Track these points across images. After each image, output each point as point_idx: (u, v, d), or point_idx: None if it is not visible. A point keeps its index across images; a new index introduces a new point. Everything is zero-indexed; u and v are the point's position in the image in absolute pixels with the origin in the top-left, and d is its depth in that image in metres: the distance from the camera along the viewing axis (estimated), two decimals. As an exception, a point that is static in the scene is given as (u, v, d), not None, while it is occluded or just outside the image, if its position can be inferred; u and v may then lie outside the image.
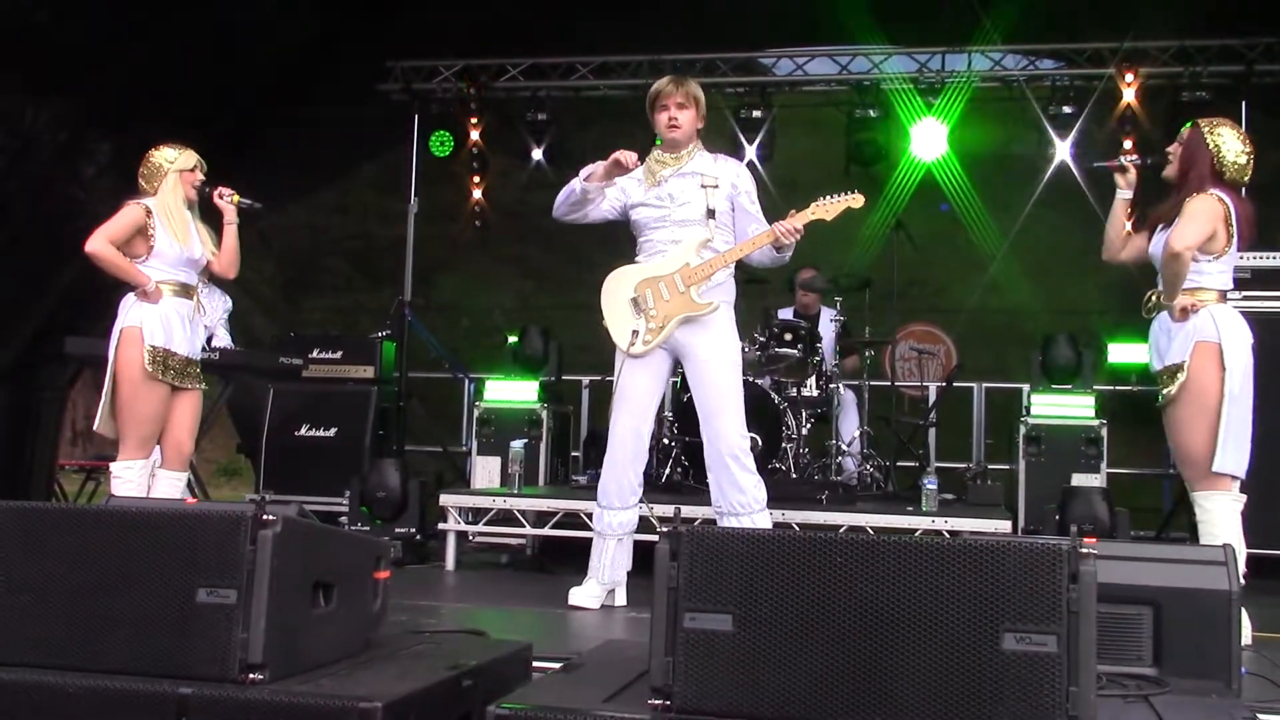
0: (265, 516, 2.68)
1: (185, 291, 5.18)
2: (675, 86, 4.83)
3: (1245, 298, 5.75)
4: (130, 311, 5.05)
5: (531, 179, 10.33)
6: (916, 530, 5.69)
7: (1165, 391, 4.38)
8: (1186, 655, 3.24)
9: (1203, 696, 2.98)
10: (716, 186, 4.78)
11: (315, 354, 8.18)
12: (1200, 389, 4.27)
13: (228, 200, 5.32)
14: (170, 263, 5.13)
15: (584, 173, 4.81)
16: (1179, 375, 4.31)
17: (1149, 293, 4.51)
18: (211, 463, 10.95)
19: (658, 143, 4.94)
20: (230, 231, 5.36)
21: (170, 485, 5.16)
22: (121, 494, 4.87)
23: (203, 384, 5.29)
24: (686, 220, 4.79)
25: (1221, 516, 4.28)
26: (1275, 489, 5.71)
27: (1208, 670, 3.20)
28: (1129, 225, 4.66)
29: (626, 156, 4.67)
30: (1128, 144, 8.23)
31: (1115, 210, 4.63)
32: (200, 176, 5.25)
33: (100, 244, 4.97)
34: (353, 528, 6.47)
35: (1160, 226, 4.45)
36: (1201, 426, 4.28)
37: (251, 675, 2.59)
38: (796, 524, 5.57)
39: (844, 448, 7.04)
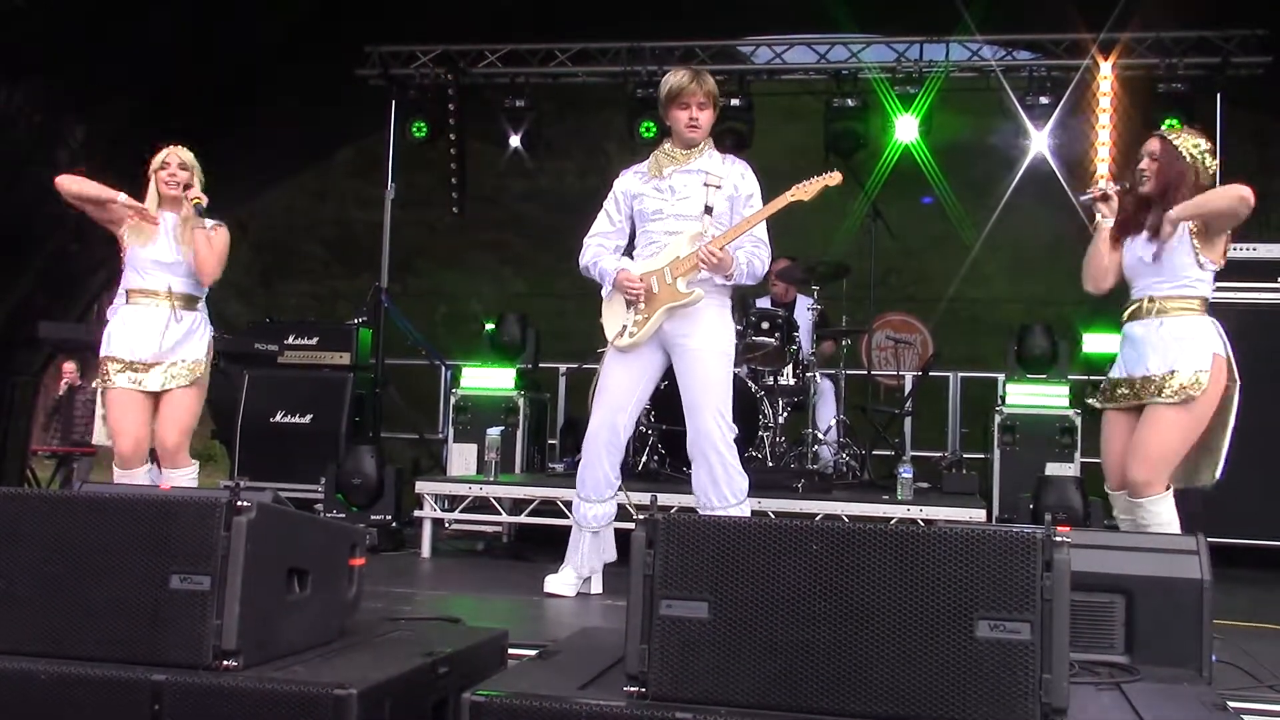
0: (239, 503, 2.67)
1: (151, 295, 5.01)
2: (698, 85, 4.71)
3: (1221, 289, 5.78)
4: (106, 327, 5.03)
5: (509, 166, 10.30)
6: (892, 519, 5.72)
7: (1164, 389, 4.27)
8: (1158, 643, 3.27)
9: (1174, 684, 3.01)
10: (719, 186, 4.74)
11: (291, 340, 8.14)
12: (1208, 400, 4.24)
13: (190, 200, 5.05)
14: (136, 266, 5.01)
15: (611, 276, 4.81)
16: (1178, 378, 4.25)
17: (1131, 304, 4.46)
18: (186, 449, 10.92)
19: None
20: (197, 235, 5.03)
21: (172, 483, 5.05)
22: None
23: (191, 381, 5.03)
24: (684, 215, 4.76)
25: (1171, 515, 4.26)
26: (1266, 481, 5.76)
27: (1179, 658, 3.23)
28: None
29: (633, 292, 4.73)
30: (1102, 168, 8.23)
31: (1099, 242, 4.51)
32: (175, 171, 5.01)
33: (67, 178, 4.92)
34: (328, 514, 6.45)
35: (1132, 236, 4.42)
36: (1191, 436, 4.26)
37: (226, 662, 2.59)
38: (772, 512, 5.59)
39: (820, 436, 7.06)
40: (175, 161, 5.04)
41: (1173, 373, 4.26)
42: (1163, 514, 4.25)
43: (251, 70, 8.65)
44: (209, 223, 5.09)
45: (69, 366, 10.43)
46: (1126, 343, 4.48)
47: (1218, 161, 4.42)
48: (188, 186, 5.01)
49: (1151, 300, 4.38)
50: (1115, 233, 4.50)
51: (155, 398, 5.02)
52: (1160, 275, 4.35)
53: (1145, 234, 4.39)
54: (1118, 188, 4.56)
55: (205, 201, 5.03)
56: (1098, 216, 4.54)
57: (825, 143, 8.94)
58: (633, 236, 4.98)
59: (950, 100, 9.02)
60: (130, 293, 5.03)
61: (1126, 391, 4.40)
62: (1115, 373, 4.51)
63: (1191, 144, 4.35)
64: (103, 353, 4.99)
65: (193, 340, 5.07)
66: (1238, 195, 4.14)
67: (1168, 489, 4.28)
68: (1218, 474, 4.38)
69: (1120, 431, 4.43)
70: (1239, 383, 4.30)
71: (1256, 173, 9.53)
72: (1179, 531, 4.20)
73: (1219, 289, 4.56)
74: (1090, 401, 4.65)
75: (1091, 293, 4.57)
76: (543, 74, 9.43)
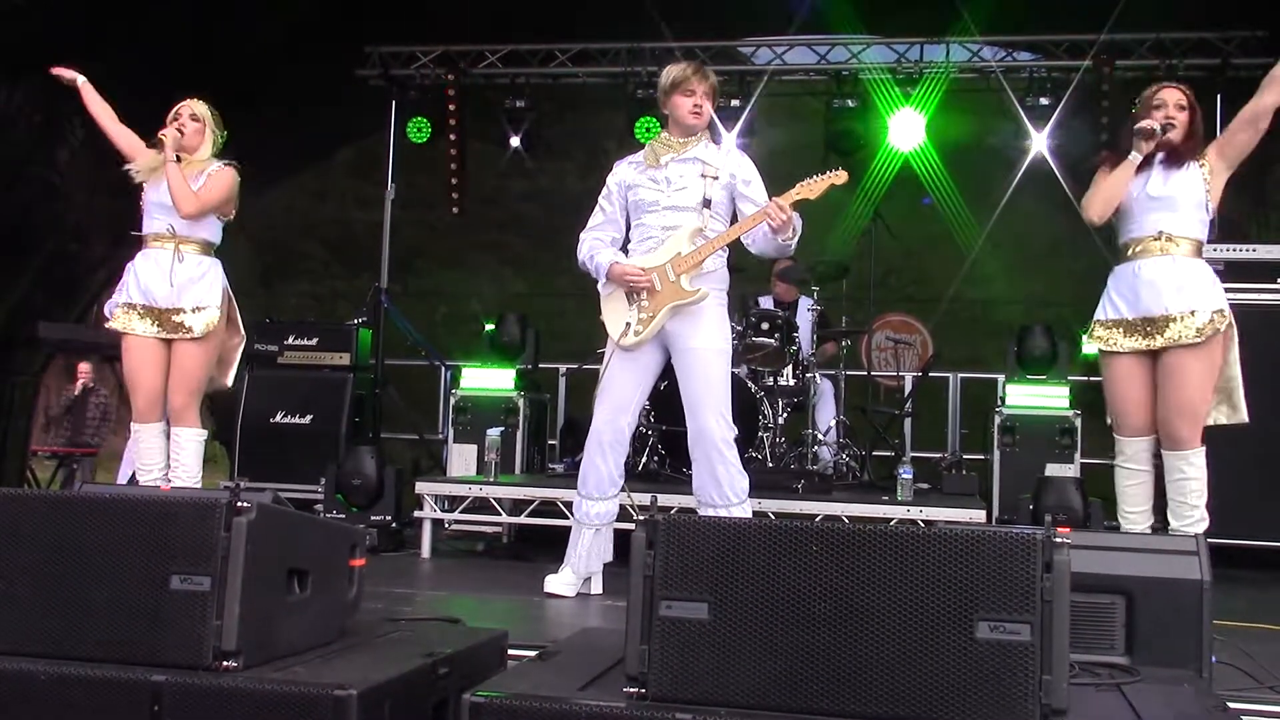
0: (239, 503, 2.67)
1: (158, 239, 5.16)
2: (702, 76, 4.78)
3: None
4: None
5: (509, 166, 10.31)
6: (892, 519, 5.72)
7: (1199, 328, 4.30)
8: (1158, 644, 3.26)
9: (1174, 685, 3.00)
10: (716, 178, 4.74)
11: (291, 340, 8.14)
12: (1226, 342, 4.32)
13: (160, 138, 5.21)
14: (146, 210, 5.20)
15: (605, 271, 4.81)
16: (1199, 318, 4.28)
17: (1136, 241, 4.47)
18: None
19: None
20: (169, 169, 5.10)
21: (175, 441, 5.15)
22: (130, 452, 5.13)
23: (199, 331, 5.09)
24: (681, 206, 4.76)
25: (1203, 472, 4.35)
26: (1265, 481, 5.77)
27: (1179, 659, 3.23)
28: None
29: (638, 284, 4.72)
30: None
31: (1127, 171, 4.47)
32: (185, 121, 5.20)
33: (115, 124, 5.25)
34: (328, 515, 6.45)
35: (1143, 172, 4.48)
36: (1214, 376, 4.33)
37: (225, 663, 2.58)
38: (772, 513, 5.59)
39: (820, 437, 7.06)
40: (186, 112, 5.22)
41: (1193, 312, 4.31)
42: (1201, 465, 4.35)
43: (252, 70, 8.64)
44: (216, 164, 5.23)
45: (84, 367, 10.44)
46: (1134, 280, 4.46)
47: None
48: (175, 137, 5.14)
49: (1163, 236, 4.41)
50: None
51: (169, 348, 5.13)
52: (1174, 211, 4.40)
53: (1160, 168, 4.43)
54: (1162, 130, 4.53)
55: (169, 138, 5.11)
56: (1133, 150, 4.49)
57: (825, 143, 8.95)
58: (628, 230, 4.99)
59: (950, 101, 9.03)
60: (144, 239, 5.21)
61: (1140, 332, 4.41)
62: (1117, 312, 4.48)
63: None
64: (120, 299, 5.13)
65: (202, 285, 5.16)
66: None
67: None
68: (1244, 413, 4.46)
69: (1138, 373, 4.44)
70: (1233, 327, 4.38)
71: (1255, 174, 9.55)
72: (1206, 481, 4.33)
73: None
74: (1096, 345, 4.57)
75: (1094, 221, 4.54)
76: (543, 74, 9.44)
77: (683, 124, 4.81)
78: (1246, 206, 8.20)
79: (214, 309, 5.15)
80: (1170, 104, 4.48)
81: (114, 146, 5.30)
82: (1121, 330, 4.45)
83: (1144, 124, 4.43)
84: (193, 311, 5.11)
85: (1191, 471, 4.35)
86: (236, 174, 5.23)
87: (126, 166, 5.21)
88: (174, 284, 5.09)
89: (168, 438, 5.16)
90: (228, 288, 5.26)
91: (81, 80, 5.23)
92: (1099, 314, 4.56)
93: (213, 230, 5.24)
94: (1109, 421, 4.70)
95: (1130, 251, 4.49)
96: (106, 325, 5.18)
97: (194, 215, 5.11)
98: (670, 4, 8.96)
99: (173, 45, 7.86)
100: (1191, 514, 4.36)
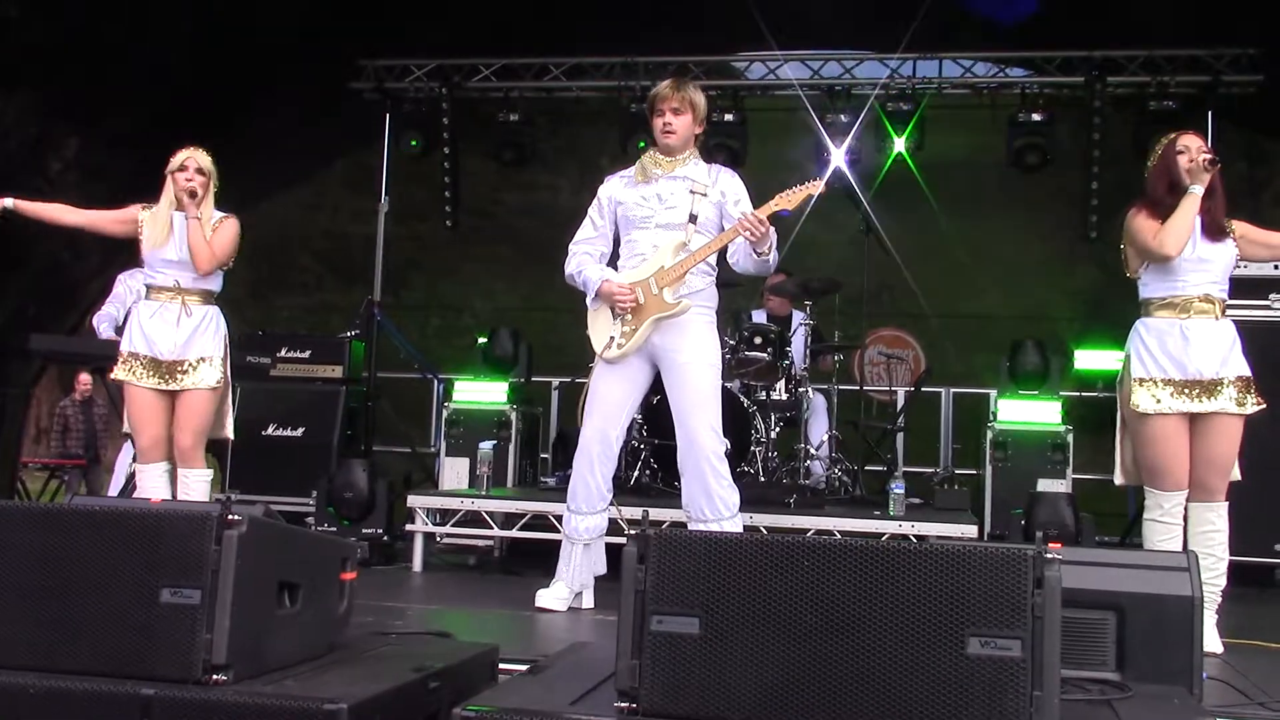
0: (231, 516, 2.67)
1: (162, 293, 5.14)
2: (672, 90, 4.80)
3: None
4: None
5: (503, 179, 10.32)
6: (884, 535, 5.71)
7: (1230, 400, 4.36)
8: (1149, 660, 3.27)
9: (1165, 701, 3.01)
10: (705, 195, 4.76)
11: (283, 353, 8.14)
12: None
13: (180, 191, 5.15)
14: (149, 264, 5.16)
15: (596, 286, 4.81)
16: (1233, 385, 4.36)
17: (1182, 299, 4.44)
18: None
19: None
20: (191, 226, 5.07)
21: (183, 483, 5.15)
22: (121, 464, 5.12)
23: (206, 383, 5.09)
24: (670, 224, 4.77)
25: (1227, 524, 4.43)
26: (1251, 497, 5.77)
27: (1170, 675, 3.23)
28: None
29: (625, 305, 4.73)
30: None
31: (1193, 206, 4.40)
32: (192, 174, 5.07)
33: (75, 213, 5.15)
34: (319, 528, 6.44)
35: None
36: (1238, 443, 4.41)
37: (216, 676, 2.58)
38: (764, 527, 5.59)
39: (813, 451, 7.06)
40: (193, 165, 5.13)
41: (1240, 378, 4.37)
42: (1224, 517, 4.43)
43: (246, 83, 8.66)
44: (217, 215, 5.19)
45: (84, 378, 10.44)
46: (1183, 342, 4.40)
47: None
48: (193, 194, 5.06)
49: (1209, 299, 4.43)
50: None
51: (173, 396, 5.12)
52: (1215, 277, 4.45)
53: (1203, 234, 4.44)
54: (1219, 164, 4.50)
55: (190, 199, 5.05)
56: (1191, 185, 4.41)
57: (818, 158, 8.96)
58: (617, 244, 5.00)
59: (943, 117, 9.06)
60: (149, 289, 5.19)
61: (1189, 393, 4.39)
62: (1164, 372, 4.42)
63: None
64: (125, 349, 5.13)
65: (205, 336, 5.15)
66: None
67: None
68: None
69: (1184, 431, 4.43)
70: None
71: (1247, 190, 9.60)
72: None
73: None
74: (1142, 404, 4.44)
75: (1172, 256, 4.40)
76: (537, 88, 9.46)
77: (659, 143, 4.85)
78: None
79: (218, 359, 5.17)
80: (1194, 147, 4.48)
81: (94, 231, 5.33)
82: (1171, 391, 4.42)
83: (1204, 157, 4.42)
84: (197, 363, 5.11)
85: (1220, 524, 4.41)
86: (238, 224, 5.24)
87: (139, 238, 5.14)
88: (178, 340, 5.09)
89: (171, 477, 5.16)
90: (227, 335, 5.26)
91: (10, 202, 5.14)
92: (1141, 371, 4.45)
93: (217, 281, 5.24)
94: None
95: (1176, 310, 4.44)
96: (111, 377, 5.13)
97: (211, 271, 5.15)
98: (664, 18, 9.00)
99: (169, 57, 7.87)
100: (1218, 566, 4.37)
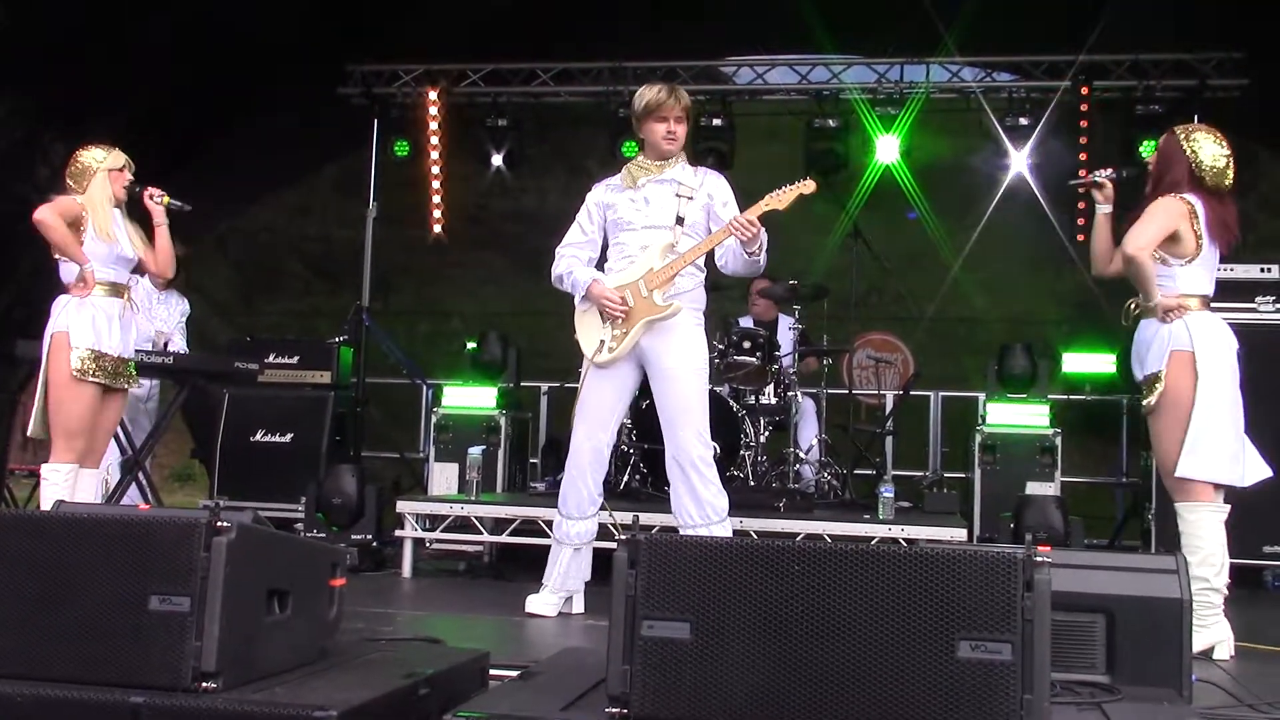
0: (219, 523, 2.66)
1: (116, 290, 5.18)
2: (675, 99, 4.78)
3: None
4: (59, 315, 5.07)
5: (491, 185, 10.30)
6: (873, 538, 5.72)
7: (1146, 401, 4.36)
8: (1139, 662, 3.28)
9: (1155, 703, 3.02)
10: (692, 198, 4.77)
11: (271, 358, 8.10)
12: (1175, 399, 4.24)
13: (158, 201, 5.37)
14: (100, 260, 5.12)
15: (585, 288, 4.81)
16: (1157, 385, 4.30)
17: (1129, 301, 4.47)
18: (165, 468, 10.81)
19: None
20: (162, 232, 5.39)
21: (87, 484, 5.13)
22: (50, 497, 4.87)
23: (136, 383, 5.33)
24: (657, 225, 4.78)
25: (1204, 529, 4.25)
26: (1240, 498, 5.78)
27: (1160, 677, 3.24)
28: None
29: (613, 311, 4.72)
30: (1081, 157, 8.32)
31: (1099, 225, 4.56)
32: (129, 177, 5.26)
33: (50, 215, 4.98)
34: (308, 534, 6.42)
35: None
36: (1176, 437, 4.24)
37: (205, 684, 2.57)
38: (754, 532, 5.59)
39: (802, 455, 7.06)
40: (130, 167, 5.29)
41: (1146, 380, 4.39)
42: (1194, 522, 4.31)
43: (233, 89, 8.64)
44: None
45: None
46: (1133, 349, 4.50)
47: (1227, 155, 4.43)
48: (147, 188, 5.29)
49: (1137, 300, 4.45)
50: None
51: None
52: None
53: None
54: (1112, 175, 4.56)
55: (162, 205, 5.35)
56: (1097, 205, 4.53)
57: (805, 162, 8.98)
58: (604, 248, 5.00)
59: (930, 121, 9.08)
60: (98, 285, 5.13)
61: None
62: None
63: (1194, 141, 4.42)
64: (82, 343, 5.02)
65: (130, 335, 5.28)
66: (1122, 257, 4.30)
67: (1199, 496, 4.31)
68: None
69: None
70: (1199, 377, 4.26)
71: (1237, 194, 9.61)
72: (1217, 537, 4.28)
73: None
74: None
75: (1096, 275, 4.57)
76: (525, 93, 9.45)
77: (657, 149, 4.85)
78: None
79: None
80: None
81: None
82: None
83: (1072, 182, 4.65)
84: (130, 362, 5.27)
85: (1183, 525, 4.32)
86: None
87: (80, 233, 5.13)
88: (124, 336, 5.19)
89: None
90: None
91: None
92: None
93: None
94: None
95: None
96: (74, 374, 4.99)
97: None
98: (652, 23, 9.00)
99: (157, 62, 7.85)
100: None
